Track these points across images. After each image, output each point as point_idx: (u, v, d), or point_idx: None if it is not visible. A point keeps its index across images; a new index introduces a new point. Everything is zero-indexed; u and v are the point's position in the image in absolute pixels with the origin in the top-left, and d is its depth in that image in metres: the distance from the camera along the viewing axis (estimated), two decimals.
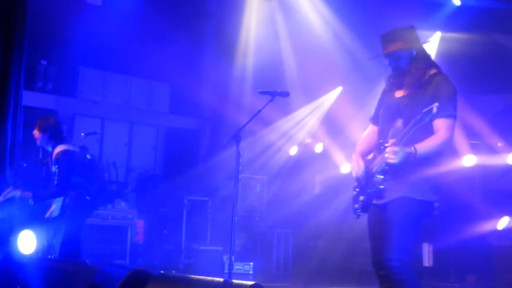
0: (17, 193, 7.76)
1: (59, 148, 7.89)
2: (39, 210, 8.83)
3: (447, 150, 5.10)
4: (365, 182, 5.27)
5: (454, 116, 5.01)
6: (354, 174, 5.38)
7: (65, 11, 12.89)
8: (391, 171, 4.99)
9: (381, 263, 4.97)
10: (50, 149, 8.00)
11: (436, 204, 5.11)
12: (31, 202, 7.76)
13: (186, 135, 14.98)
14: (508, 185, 10.62)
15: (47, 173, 8.31)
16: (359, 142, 5.57)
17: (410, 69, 5.18)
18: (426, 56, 5.29)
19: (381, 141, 5.13)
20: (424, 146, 4.89)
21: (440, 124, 4.95)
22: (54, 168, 7.89)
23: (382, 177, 5.06)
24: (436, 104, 4.65)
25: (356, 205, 5.32)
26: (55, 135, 8.01)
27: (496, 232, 10.19)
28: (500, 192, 10.55)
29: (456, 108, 5.04)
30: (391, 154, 4.82)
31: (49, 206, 8.10)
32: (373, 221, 5.25)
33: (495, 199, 10.38)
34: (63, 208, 7.87)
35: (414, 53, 5.22)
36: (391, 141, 4.89)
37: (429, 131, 4.94)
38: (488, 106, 11.36)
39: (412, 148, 4.83)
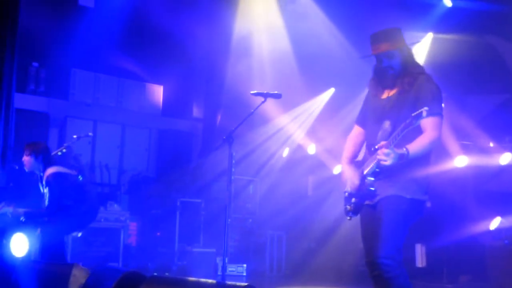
0: (9, 209, 7.80)
1: (51, 170, 7.93)
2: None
3: (437, 150, 5.12)
4: (356, 184, 5.28)
5: (440, 115, 5.03)
6: (348, 188, 5.36)
7: (57, 12, 12.87)
8: (382, 173, 5.01)
9: (373, 263, 4.98)
10: (40, 172, 8.02)
11: (428, 204, 5.13)
12: (22, 219, 7.81)
13: (178, 137, 14.98)
14: (500, 186, 10.63)
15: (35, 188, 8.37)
16: (346, 147, 5.57)
17: (403, 70, 5.21)
18: (413, 57, 5.33)
19: (370, 143, 5.15)
20: (415, 147, 4.90)
21: (428, 123, 4.97)
22: (44, 190, 7.91)
23: (373, 179, 5.08)
24: (426, 108, 4.65)
25: (348, 207, 5.33)
26: (46, 158, 8.05)
27: (489, 232, 10.19)
28: (492, 193, 10.55)
29: (442, 107, 5.07)
30: (384, 156, 4.83)
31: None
32: (365, 222, 5.27)
33: (487, 199, 10.38)
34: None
35: (405, 53, 5.25)
36: (382, 143, 4.90)
37: (417, 131, 4.95)
38: (480, 107, 11.39)
39: (404, 149, 4.84)
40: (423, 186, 5.09)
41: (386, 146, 4.84)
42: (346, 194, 5.37)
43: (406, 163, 4.90)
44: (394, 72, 5.23)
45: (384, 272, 4.88)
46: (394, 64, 5.23)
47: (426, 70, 5.32)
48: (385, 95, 5.30)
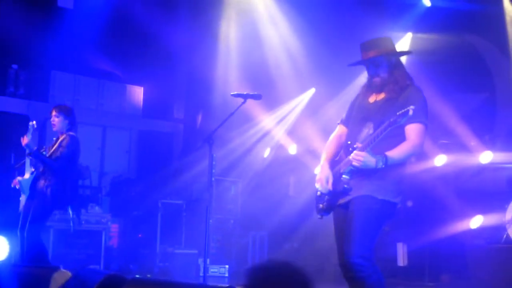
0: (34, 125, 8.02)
1: (71, 133, 8.15)
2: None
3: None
4: (330, 181, 5.28)
5: (425, 123, 5.07)
6: (319, 187, 5.34)
7: (36, 14, 12.79)
8: (358, 172, 5.04)
9: (346, 263, 4.99)
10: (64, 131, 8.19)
11: (409, 203, 5.17)
12: (29, 152, 7.96)
13: (159, 138, 14.95)
14: (481, 184, 10.67)
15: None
16: (327, 146, 5.58)
17: (389, 77, 5.22)
18: (402, 67, 5.36)
19: (349, 142, 5.17)
20: (396, 153, 4.95)
21: (412, 130, 5.01)
22: (55, 148, 8.05)
23: (348, 177, 5.10)
24: (412, 106, 4.67)
25: (321, 205, 5.34)
26: (74, 122, 8.30)
27: (470, 231, 10.23)
28: (473, 191, 10.59)
29: (428, 117, 5.11)
30: (357, 157, 4.87)
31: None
32: (338, 224, 5.29)
33: (468, 198, 10.42)
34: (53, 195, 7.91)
35: (393, 61, 5.28)
36: (358, 144, 4.93)
37: (397, 135, 4.98)
38: (459, 106, 11.43)
39: (383, 155, 4.87)
40: (396, 188, 5.13)
41: (362, 148, 4.89)
42: (319, 193, 5.38)
43: None
44: (381, 79, 5.25)
45: (357, 272, 4.90)
46: (380, 71, 5.26)
47: (412, 75, 5.36)
48: (372, 99, 5.33)
